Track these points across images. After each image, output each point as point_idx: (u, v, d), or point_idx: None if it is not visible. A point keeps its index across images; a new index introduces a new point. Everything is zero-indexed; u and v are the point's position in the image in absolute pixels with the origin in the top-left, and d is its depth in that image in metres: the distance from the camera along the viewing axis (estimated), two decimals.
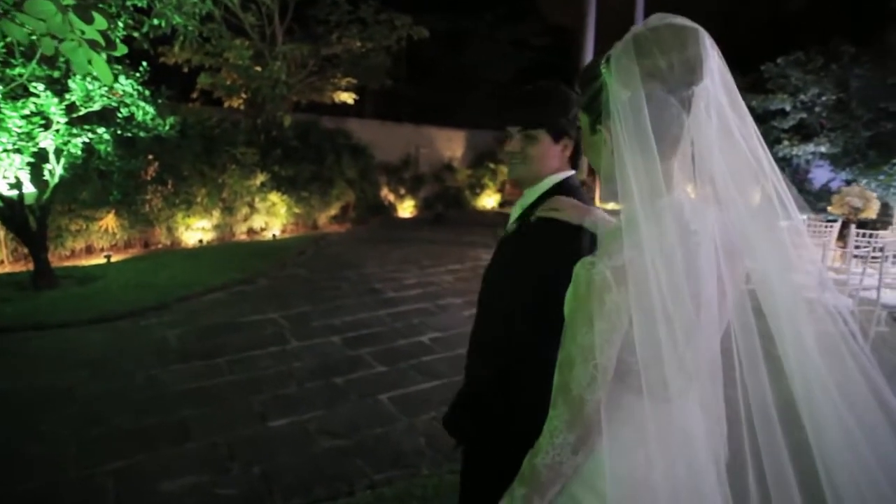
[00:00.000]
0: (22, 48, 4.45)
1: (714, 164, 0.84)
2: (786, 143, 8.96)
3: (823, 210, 6.76)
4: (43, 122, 5.06)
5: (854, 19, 11.43)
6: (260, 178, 8.86)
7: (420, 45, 10.58)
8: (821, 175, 9.47)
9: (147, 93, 5.64)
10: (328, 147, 10.07)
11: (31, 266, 5.82)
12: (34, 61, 4.61)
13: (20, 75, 4.76)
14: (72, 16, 1.68)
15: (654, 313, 0.80)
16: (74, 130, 5.27)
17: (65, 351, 4.20)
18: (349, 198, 10.54)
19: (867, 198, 6.03)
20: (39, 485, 2.57)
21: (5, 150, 4.89)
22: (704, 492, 0.87)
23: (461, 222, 11.59)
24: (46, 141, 5.15)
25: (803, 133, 9.04)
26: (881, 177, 8.12)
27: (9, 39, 4.27)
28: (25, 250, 6.09)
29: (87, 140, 5.41)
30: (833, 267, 5.59)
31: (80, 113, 5.25)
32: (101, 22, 1.73)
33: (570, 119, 1.33)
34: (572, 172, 1.39)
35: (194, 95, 9.66)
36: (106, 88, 5.17)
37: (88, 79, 4.97)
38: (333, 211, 10.34)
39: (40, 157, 5.31)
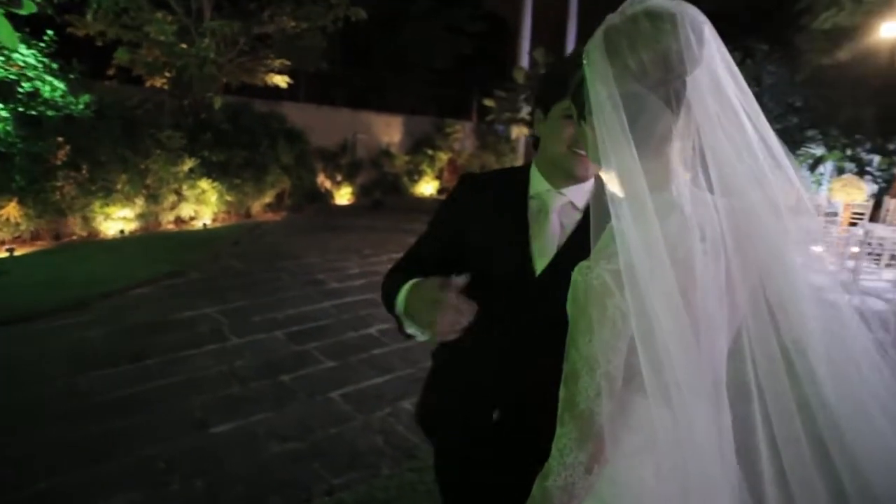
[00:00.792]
0: None
1: (721, 154, 0.78)
2: None
3: None
4: None
5: (765, 20, 12.24)
6: (188, 163, 8.27)
7: (355, 28, 10.23)
8: None
9: (55, 66, 5.05)
10: (262, 131, 9.57)
11: None
12: None
13: None
14: None
15: (654, 316, 0.74)
16: None
17: None
18: (284, 185, 10.11)
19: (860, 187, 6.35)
20: None
21: None
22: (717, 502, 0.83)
23: (400, 209, 11.45)
24: None
25: None
26: None
27: None
28: None
29: None
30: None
31: None
32: None
33: None
34: None
35: (110, 73, 8.85)
36: (2, 58, 4.57)
37: None
38: (268, 198, 9.89)
39: None
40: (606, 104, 0.77)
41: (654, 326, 0.74)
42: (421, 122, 14.58)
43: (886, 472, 0.71)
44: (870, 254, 5.68)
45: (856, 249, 5.50)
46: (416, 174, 13.86)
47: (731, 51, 0.80)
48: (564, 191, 1.14)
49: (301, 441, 2.85)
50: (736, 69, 0.79)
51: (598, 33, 0.81)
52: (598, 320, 0.77)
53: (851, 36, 10.58)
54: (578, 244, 1.01)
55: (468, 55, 17.06)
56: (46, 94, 5.03)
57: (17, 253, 6.38)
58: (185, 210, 8.54)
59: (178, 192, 8.33)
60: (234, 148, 8.94)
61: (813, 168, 10.10)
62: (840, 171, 9.74)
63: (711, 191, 0.80)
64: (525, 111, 11.43)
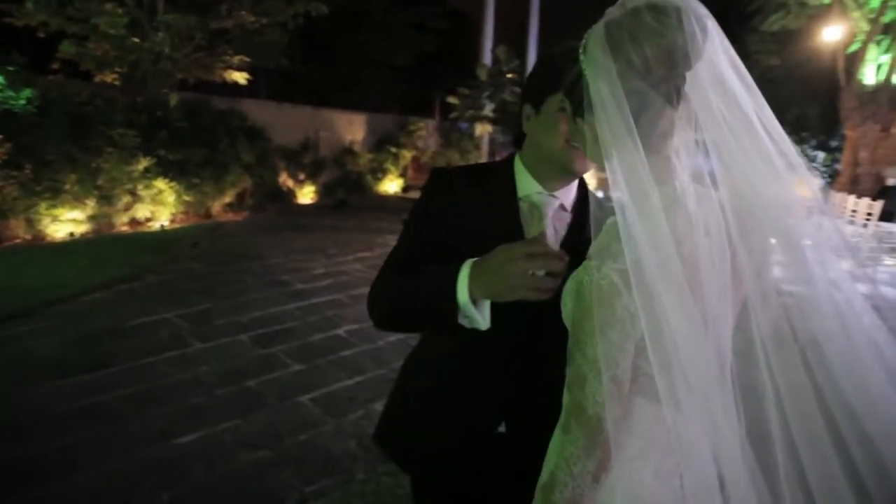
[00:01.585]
0: None
1: (724, 149, 0.77)
2: None
3: None
4: None
5: (720, 20, 12.71)
6: (143, 162, 7.95)
7: (316, 24, 10.04)
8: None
9: None
10: (221, 129, 9.29)
11: None
12: None
13: None
14: None
15: (664, 314, 0.72)
16: None
17: None
18: (245, 184, 9.86)
19: None
20: None
21: None
22: None
23: (365, 208, 11.35)
24: None
25: None
26: None
27: None
28: None
29: None
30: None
31: None
32: None
33: None
34: None
35: (55, 66, 8.40)
36: None
37: None
38: (228, 198, 9.62)
39: None
40: (609, 101, 0.75)
41: (664, 324, 0.72)
42: (384, 119, 14.47)
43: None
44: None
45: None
46: (379, 172, 13.76)
47: None
48: (556, 193, 1.10)
49: (270, 449, 2.77)
50: (740, 64, 0.77)
51: (599, 28, 0.78)
52: (606, 322, 0.75)
53: (798, 38, 11.07)
54: (572, 247, 0.99)
55: (431, 52, 17.03)
56: None
57: None
58: (141, 211, 8.21)
59: (132, 193, 8.00)
60: (192, 146, 8.65)
61: None
62: None
63: (715, 186, 0.79)
64: (488, 109, 11.50)
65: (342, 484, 2.49)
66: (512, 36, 12.84)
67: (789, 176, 0.76)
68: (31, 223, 6.98)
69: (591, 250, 0.80)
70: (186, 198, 8.72)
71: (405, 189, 14.22)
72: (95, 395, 3.23)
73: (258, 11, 9.06)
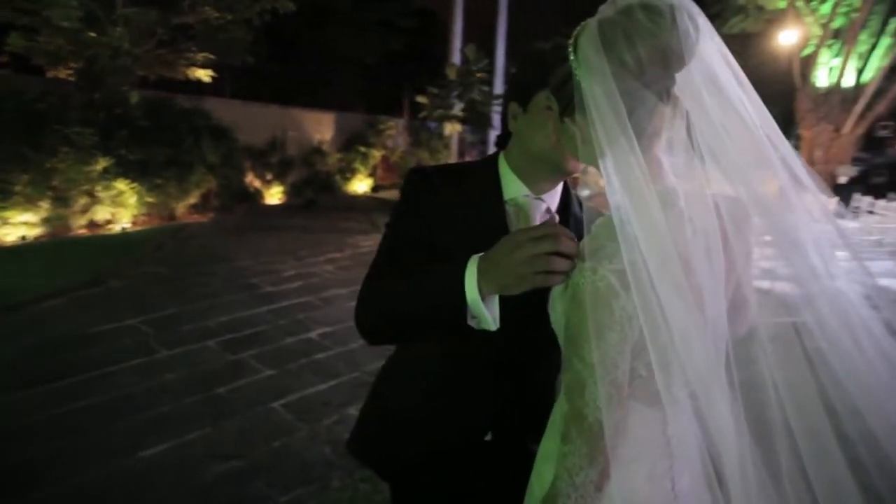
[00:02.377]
0: None
1: (717, 146, 0.76)
2: None
3: None
4: None
5: None
6: (102, 162, 7.63)
7: (283, 21, 9.85)
8: None
9: None
10: (185, 128, 9.00)
11: None
12: None
13: None
14: None
15: (664, 313, 0.72)
16: None
17: None
18: (211, 184, 9.60)
19: None
20: None
21: None
22: None
23: (334, 208, 11.21)
24: None
25: None
26: None
27: None
28: None
29: None
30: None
31: None
32: None
33: None
34: None
35: (3, 60, 8.01)
36: None
37: None
38: (193, 199, 9.34)
39: None
40: (602, 101, 0.73)
41: (665, 323, 0.71)
42: (352, 118, 14.33)
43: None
44: None
45: None
46: (348, 172, 13.61)
47: None
48: (543, 196, 1.07)
49: (243, 458, 2.69)
50: (734, 61, 0.77)
51: (591, 26, 0.77)
52: (604, 324, 0.73)
53: (756, 42, 11.43)
54: None
55: (399, 51, 16.92)
56: None
57: None
58: (100, 213, 7.89)
59: (90, 194, 7.68)
60: (154, 146, 8.35)
61: None
62: None
63: (708, 183, 0.78)
64: (458, 108, 11.48)
65: (318, 492, 2.45)
66: (481, 35, 12.84)
67: (784, 172, 0.76)
68: None
69: (583, 252, 0.78)
70: (149, 199, 8.44)
71: (375, 189, 14.11)
72: (57, 407, 3.08)
73: (222, 7, 8.83)
